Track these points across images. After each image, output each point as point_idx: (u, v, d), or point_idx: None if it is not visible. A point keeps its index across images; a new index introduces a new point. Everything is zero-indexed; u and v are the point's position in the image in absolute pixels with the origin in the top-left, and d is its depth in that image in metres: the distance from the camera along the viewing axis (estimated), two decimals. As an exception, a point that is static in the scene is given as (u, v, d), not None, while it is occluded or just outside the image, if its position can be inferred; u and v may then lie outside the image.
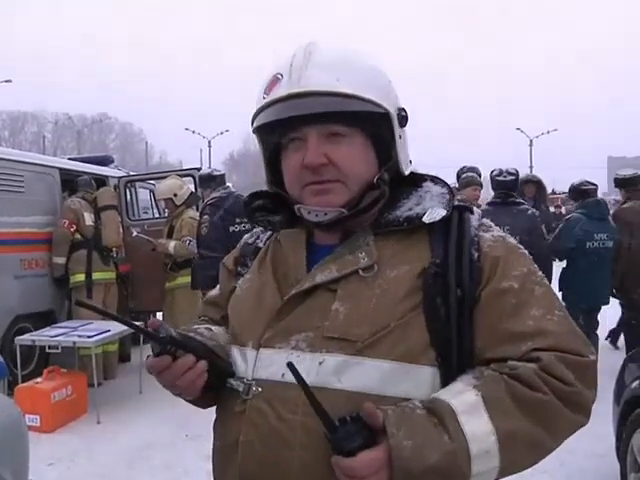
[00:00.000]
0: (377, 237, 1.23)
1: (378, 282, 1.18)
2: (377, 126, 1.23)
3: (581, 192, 6.37)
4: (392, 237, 1.23)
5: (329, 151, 1.19)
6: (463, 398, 1.08)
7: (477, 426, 1.06)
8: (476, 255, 1.20)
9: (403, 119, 1.26)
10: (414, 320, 1.16)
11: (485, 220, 1.29)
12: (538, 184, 7.71)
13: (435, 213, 1.22)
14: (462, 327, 1.17)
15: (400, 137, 1.26)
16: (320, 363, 1.15)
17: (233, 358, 1.29)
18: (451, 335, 1.16)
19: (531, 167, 44.49)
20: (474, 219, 1.26)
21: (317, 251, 1.28)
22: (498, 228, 1.29)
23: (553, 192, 20.49)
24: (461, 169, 6.76)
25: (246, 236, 1.50)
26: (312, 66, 1.18)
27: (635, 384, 3.46)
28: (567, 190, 7.05)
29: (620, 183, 6.72)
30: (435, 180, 1.31)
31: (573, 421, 1.14)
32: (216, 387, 1.25)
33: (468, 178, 6.13)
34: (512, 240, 1.27)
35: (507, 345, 1.14)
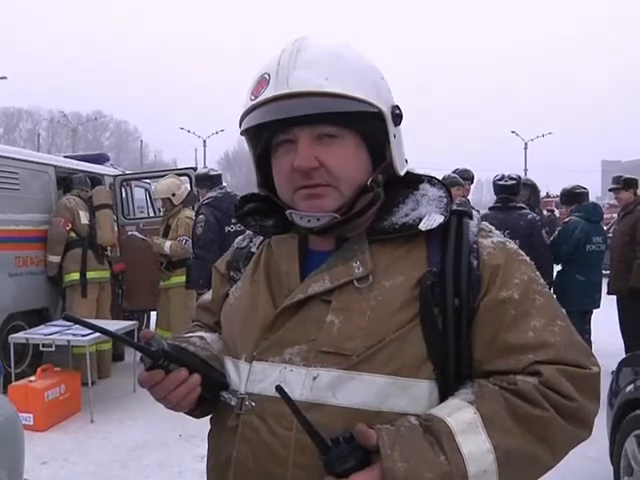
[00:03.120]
0: (373, 244, 1.18)
1: (373, 293, 1.13)
2: (370, 126, 1.17)
3: (575, 195, 6.41)
4: (388, 244, 1.18)
5: (320, 154, 1.14)
6: (460, 416, 1.05)
7: (475, 445, 1.02)
8: (475, 263, 1.15)
9: (397, 117, 1.19)
10: (411, 333, 1.11)
11: (485, 224, 1.24)
12: (532, 188, 7.75)
13: (432, 220, 1.16)
14: (460, 339, 1.12)
15: (395, 136, 1.19)
16: (314, 378, 1.12)
17: (227, 370, 1.25)
18: (449, 347, 1.12)
19: (525, 170, 44.56)
20: (473, 224, 1.20)
21: (312, 257, 1.23)
22: (499, 233, 1.24)
23: (547, 195, 20.49)
24: (453, 171, 6.80)
25: (238, 239, 1.44)
26: (300, 65, 1.12)
27: (629, 388, 3.48)
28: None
29: (631, 183, 6.69)
30: (432, 181, 1.26)
31: (574, 436, 1.10)
32: (210, 400, 1.22)
33: (451, 179, 6.17)
34: (513, 246, 1.21)
35: (507, 358, 1.10)
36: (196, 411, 1.26)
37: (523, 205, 5.84)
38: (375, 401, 1.10)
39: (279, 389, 1.03)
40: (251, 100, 1.17)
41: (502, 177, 5.79)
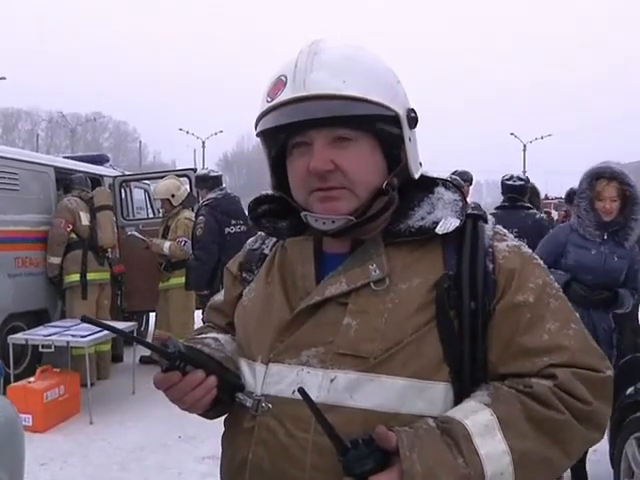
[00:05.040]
0: (388, 247, 1.18)
1: (390, 296, 1.14)
2: (386, 129, 1.17)
3: None
4: (404, 247, 1.18)
5: (336, 156, 1.14)
6: (477, 418, 1.06)
7: (492, 447, 1.03)
8: (491, 267, 1.16)
9: (412, 120, 1.20)
10: (427, 335, 1.12)
11: (499, 228, 1.25)
12: (532, 190, 7.80)
13: (448, 223, 1.16)
14: (476, 341, 1.13)
15: (410, 139, 1.19)
16: (332, 380, 1.12)
17: (242, 371, 1.26)
18: (464, 350, 1.13)
19: (524, 172, 44.55)
20: (488, 228, 1.21)
21: (326, 260, 1.23)
22: (512, 236, 1.24)
23: (546, 197, 20.52)
24: (452, 172, 6.82)
25: (250, 240, 1.45)
26: (317, 67, 1.12)
27: (629, 390, 3.47)
28: (564, 195, 7.12)
29: None
30: (447, 185, 1.26)
31: (588, 438, 1.12)
32: (225, 401, 1.22)
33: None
34: (527, 250, 1.22)
35: (522, 361, 1.11)
36: (210, 412, 1.26)
37: (530, 205, 5.83)
38: (393, 403, 1.10)
39: (301, 391, 1.03)
40: (267, 102, 1.17)
41: (511, 177, 5.77)
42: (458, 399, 1.12)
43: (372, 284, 1.15)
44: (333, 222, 1.17)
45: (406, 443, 1.01)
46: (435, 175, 1.27)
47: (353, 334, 1.13)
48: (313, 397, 1.07)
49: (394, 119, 1.17)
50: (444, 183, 1.26)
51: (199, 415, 1.27)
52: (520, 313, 1.13)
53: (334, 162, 1.14)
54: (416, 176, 1.23)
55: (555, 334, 1.12)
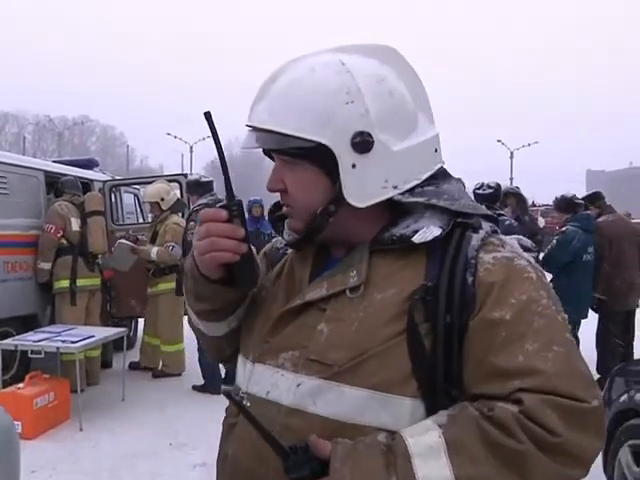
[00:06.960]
0: (374, 255, 1.15)
1: (364, 304, 1.12)
2: (323, 157, 1.12)
3: (573, 205, 6.55)
4: (389, 256, 1.15)
5: (284, 177, 1.19)
6: (424, 438, 1.00)
7: (432, 470, 0.98)
8: (470, 280, 1.08)
9: (358, 145, 1.10)
10: (396, 347, 1.07)
11: (495, 238, 1.16)
12: (518, 196, 7.88)
13: (428, 232, 1.12)
14: (450, 357, 1.07)
15: (354, 166, 1.11)
16: (298, 385, 1.13)
17: (238, 366, 1.29)
18: (437, 366, 1.06)
19: (511, 179, 44.83)
20: (476, 238, 1.13)
21: (329, 264, 1.24)
22: (516, 246, 1.17)
23: (533, 204, 20.71)
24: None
25: (276, 239, 1.44)
26: (266, 96, 1.15)
27: (623, 398, 3.50)
28: (552, 202, 7.24)
29: (590, 200, 7.11)
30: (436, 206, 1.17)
31: (559, 474, 1.00)
32: (235, 280, 1.18)
33: None
34: (521, 262, 1.12)
35: (493, 382, 1.03)
36: (216, 283, 1.20)
37: (502, 212, 5.97)
38: (353, 413, 1.08)
39: (225, 392, 1.09)
40: None
41: (481, 186, 6.02)
42: (429, 416, 1.06)
43: (348, 291, 1.14)
44: (288, 235, 1.26)
45: (339, 455, 1.01)
46: (421, 200, 1.16)
47: (324, 341, 1.13)
48: (283, 400, 1.13)
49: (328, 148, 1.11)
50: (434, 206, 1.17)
51: (206, 278, 1.19)
52: (494, 331, 1.05)
53: (284, 182, 1.19)
54: (360, 205, 1.14)
55: (531, 356, 1.02)
